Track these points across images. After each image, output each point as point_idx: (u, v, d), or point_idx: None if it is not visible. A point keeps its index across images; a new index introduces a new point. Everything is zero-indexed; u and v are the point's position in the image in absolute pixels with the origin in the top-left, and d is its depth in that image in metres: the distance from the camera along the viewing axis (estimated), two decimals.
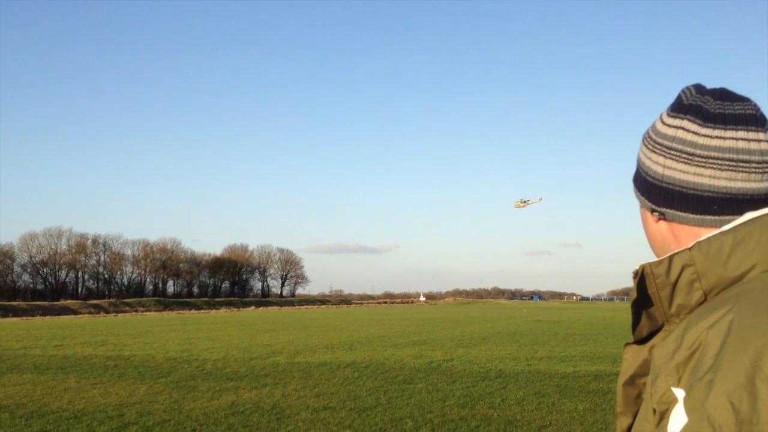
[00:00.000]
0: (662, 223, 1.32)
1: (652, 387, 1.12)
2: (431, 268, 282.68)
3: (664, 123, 1.31)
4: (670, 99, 1.35)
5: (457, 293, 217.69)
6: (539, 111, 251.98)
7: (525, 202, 77.12)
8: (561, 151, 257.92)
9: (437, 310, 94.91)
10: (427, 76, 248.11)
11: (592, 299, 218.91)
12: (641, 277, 1.24)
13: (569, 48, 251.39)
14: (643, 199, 1.36)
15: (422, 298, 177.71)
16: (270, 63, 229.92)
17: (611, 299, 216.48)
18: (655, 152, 1.31)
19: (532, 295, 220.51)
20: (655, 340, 1.26)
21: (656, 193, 1.31)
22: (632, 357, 1.32)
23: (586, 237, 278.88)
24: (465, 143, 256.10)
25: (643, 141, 1.37)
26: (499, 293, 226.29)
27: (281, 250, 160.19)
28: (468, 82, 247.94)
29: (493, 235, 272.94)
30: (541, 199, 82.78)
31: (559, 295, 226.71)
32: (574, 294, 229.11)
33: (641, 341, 1.30)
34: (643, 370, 1.29)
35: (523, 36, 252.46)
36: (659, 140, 1.30)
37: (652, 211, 1.33)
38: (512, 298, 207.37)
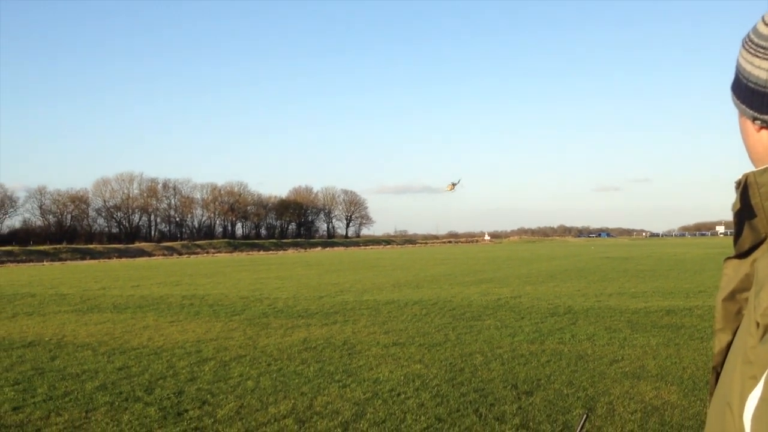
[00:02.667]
0: (764, 132, 1.24)
1: (755, 300, 1.06)
2: (495, 206, 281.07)
3: (767, 24, 1.21)
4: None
5: (522, 232, 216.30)
6: (604, 41, 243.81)
7: (454, 185, 77.63)
8: (628, 82, 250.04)
9: (502, 248, 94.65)
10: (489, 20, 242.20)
11: (662, 235, 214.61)
12: (744, 186, 1.17)
13: None
14: (743, 107, 1.27)
15: (487, 237, 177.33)
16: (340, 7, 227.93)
17: (682, 235, 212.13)
18: (757, 56, 1.21)
19: (600, 233, 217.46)
20: (757, 253, 1.20)
21: (758, 101, 1.22)
22: (733, 271, 1.26)
23: (656, 172, 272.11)
24: (527, 79, 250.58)
25: (743, 45, 1.27)
26: (565, 231, 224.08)
27: (345, 192, 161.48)
28: (524, 20, 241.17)
29: (559, 172, 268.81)
30: (459, 180, 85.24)
31: (627, 232, 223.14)
32: (643, 230, 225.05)
33: (743, 255, 1.24)
34: (744, 285, 1.22)
35: None
36: (762, 43, 1.21)
37: (754, 119, 1.24)
38: (579, 236, 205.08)
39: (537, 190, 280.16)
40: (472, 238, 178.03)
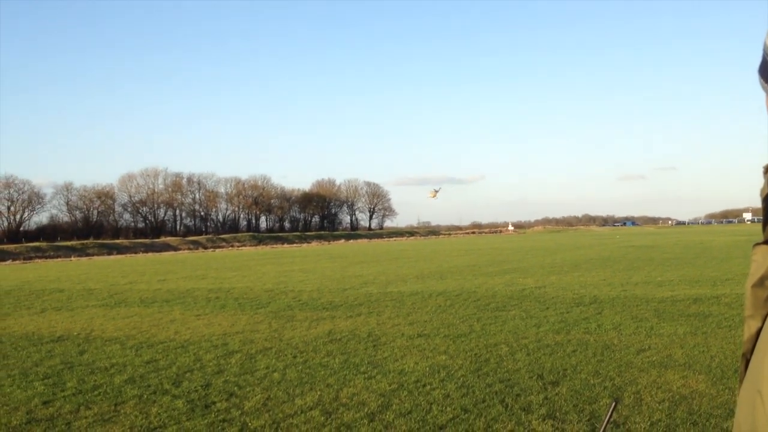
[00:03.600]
0: None
1: None
2: (519, 197, 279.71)
3: None
4: None
5: (546, 222, 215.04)
6: (627, 28, 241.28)
7: (436, 191, 78.00)
8: (652, 69, 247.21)
9: (526, 238, 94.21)
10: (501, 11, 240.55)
11: (688, 223, 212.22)
12: None
13: None
14: None
15: (510, 228, 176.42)
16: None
17: (709, 222, 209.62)
18: None
19: (625, 221, 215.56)
20: None
21: None
22: (762, 257, 1.24)
23: (682, 159, 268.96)
24: (550, 68, 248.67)
25: None
26: (590, 220, 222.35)
27: (368, 184, 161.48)
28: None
29: (582, 161, 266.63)
30: (440, 188, 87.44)
31: (653, 221, 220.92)
32: (669, 219, 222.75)
33: None
34: None
35: None
36: None
37: None
38: (604, 225, 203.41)
39: (560, 180, 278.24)
40: (495, 228, 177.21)
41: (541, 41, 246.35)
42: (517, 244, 63.37)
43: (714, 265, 26.75)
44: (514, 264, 31.59)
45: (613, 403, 1.79)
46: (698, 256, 33.15)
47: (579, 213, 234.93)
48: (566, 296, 17.25)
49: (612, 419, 6.57)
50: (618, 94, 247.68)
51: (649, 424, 6.56)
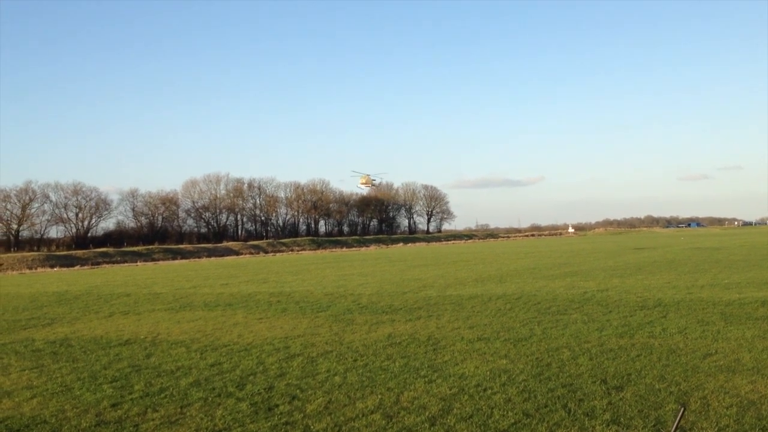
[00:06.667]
0: None
1: None
2: (579, 198, 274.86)
3: None
4: None
5: (607, 223, 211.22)
6: (688, 28, 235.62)
7: (372, 180, 75.08)
8: (715, 66, 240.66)
9: (587, 241, 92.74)
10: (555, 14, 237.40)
11: (755, 224, 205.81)
12: None
13: None
14: None
15: (571, 230, 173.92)
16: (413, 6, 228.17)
17: None
18: None
19: (689, 222, 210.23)
20: None
21: None
22: None
23: (747, 158, 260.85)
24: (611, 68, 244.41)
25: None
26: (653, 222, 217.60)
27: (425, 187, 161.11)
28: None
29: (644, 162, 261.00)
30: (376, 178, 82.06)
31: (718, 221, 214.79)
32: (735, 219, 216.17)
33: None
34: None
35: None
36: None
37: None
38: (668, 226, 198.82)
39: (621, 180, 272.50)
40: (555, 230, 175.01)
41: (602, 40, 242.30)
42: (578, 247, 62.43)
43: None
44: (574, 267, 31.14)
45: (682, 409, 1.78)
46: (766, 258, 32.13)
47: (641, 214, 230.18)
48: (629, 299, 16.94)
49: (680, 425, 6.44)
50: (680, 93, 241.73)
51: (716, 430, 6.41)
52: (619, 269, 28.20)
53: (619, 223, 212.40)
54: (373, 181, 77.30)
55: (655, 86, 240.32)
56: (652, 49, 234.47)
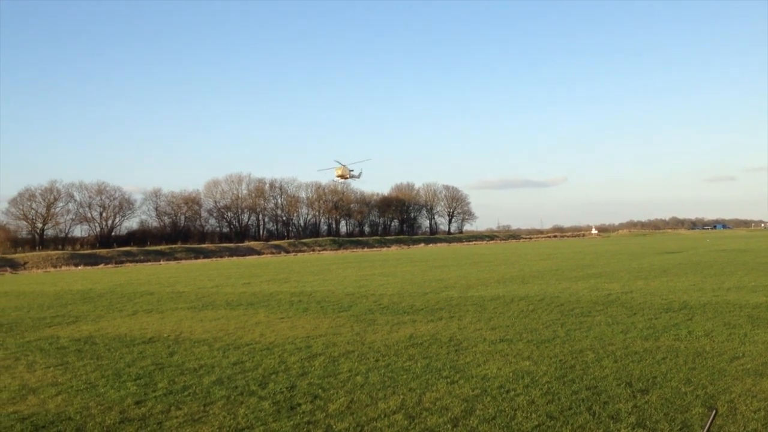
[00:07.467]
0: None
1: None
2: (602, 199, 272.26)
3: None
4: None
5: (631, 225, 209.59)
6: (710, 29, 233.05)
7: (350, 172, 68.72)
8: (739, 67, 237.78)
9: (611, 242, 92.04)
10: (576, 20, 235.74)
11: None
12: None
13: None
14: None
15: (594, 231, 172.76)
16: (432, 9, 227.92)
17: None
18: None
19: (715, 224, 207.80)
20: None
21: None
22: None
23: None
24: (635, 69, 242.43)
25: None
26: (678, 223, 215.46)
27: (447, 188, 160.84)
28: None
29: (668, 163, 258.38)
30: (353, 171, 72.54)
31: (745, 223, 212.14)
32: (762, 221, 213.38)
33: None
34: None
35: None
36: None
37: None
38: (693, 228, 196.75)
39: (645, 182, 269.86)
40: (578, 232, 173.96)
41: (626, 42, 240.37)
42: (602, 248, 61.98)
43: None
44: (598, 268, 30.91)
45: (713, 412, 1.73)
46: None
47: (666, 216, 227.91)
48: (654, 302, 16.76)
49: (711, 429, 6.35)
50: (706, 94, 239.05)
51: None
52: (643, 271, 27.94)
53: (644, 225, 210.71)
54: (351, 172, 70.78)
55: (681, 87, 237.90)
56: (678, 50, 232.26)
